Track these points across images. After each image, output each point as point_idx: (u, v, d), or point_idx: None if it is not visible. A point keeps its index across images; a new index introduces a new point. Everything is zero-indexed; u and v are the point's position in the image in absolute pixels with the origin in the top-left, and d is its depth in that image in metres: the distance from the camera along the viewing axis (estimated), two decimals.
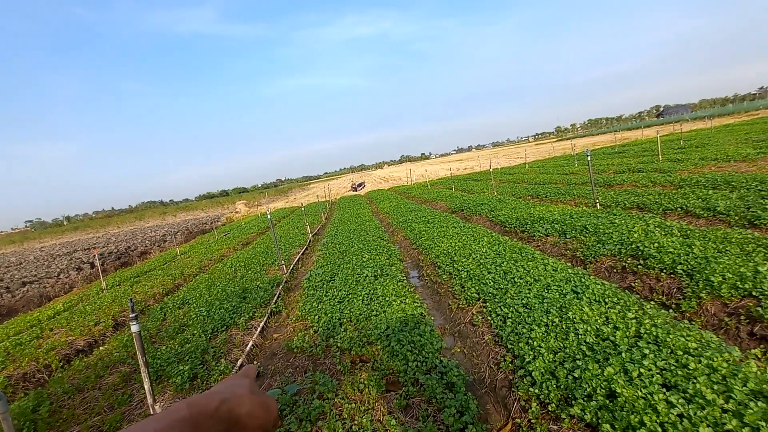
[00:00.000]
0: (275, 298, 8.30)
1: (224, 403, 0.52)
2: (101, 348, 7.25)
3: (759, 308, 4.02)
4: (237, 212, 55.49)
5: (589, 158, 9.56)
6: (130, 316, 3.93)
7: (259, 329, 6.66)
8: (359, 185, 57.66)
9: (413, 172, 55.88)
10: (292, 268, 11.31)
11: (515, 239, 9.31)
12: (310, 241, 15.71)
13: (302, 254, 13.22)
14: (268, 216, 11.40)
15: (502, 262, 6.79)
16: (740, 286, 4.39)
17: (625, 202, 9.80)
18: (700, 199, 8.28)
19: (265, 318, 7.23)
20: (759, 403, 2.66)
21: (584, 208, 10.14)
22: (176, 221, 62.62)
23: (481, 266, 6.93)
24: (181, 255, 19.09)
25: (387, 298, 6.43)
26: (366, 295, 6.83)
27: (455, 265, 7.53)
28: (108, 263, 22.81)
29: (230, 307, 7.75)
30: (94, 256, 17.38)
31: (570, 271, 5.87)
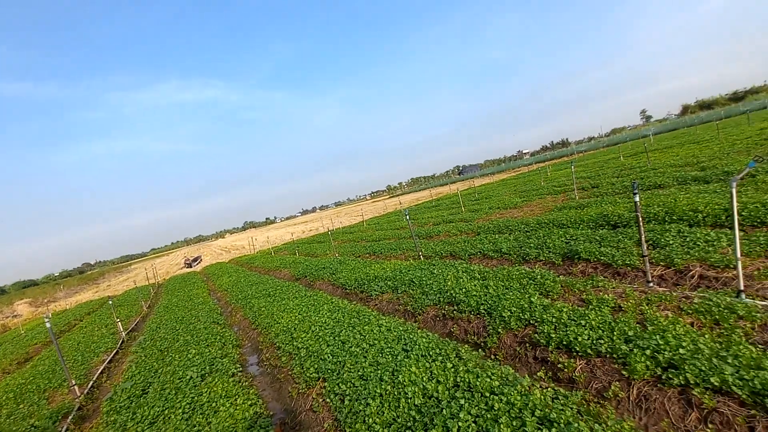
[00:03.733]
0: None
1: None
2: None
3: (536, 334, 4.95)
4: (17, 316, 40.93)
5: (407, 218, 10.81)
6: None
7: None
8: (194, 260, 51.02)
9: (256, 240, 53.07)
10: (92, 386, 8.69)
11: (355, 301, 9.48)
12: (123, 341, 12.59)
13: (109, 362, 10.37)
14: (47, 323, 8.58)
15: (341, 331, 6.69)
16: (522, 317, 5.37)
17: (442, 251, 11.33)
18: (491, 243, 10.22)
19: None
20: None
21: (411, 261, 11.25)
22: None
23: (321, 340, 6.66)
24: None
25: (214, 404, 5.42)
26: (188, 406, 5.62)
27: (295, 343, 7.05)
28: None
29: None
30: None
31: (401, 328, 6.17)
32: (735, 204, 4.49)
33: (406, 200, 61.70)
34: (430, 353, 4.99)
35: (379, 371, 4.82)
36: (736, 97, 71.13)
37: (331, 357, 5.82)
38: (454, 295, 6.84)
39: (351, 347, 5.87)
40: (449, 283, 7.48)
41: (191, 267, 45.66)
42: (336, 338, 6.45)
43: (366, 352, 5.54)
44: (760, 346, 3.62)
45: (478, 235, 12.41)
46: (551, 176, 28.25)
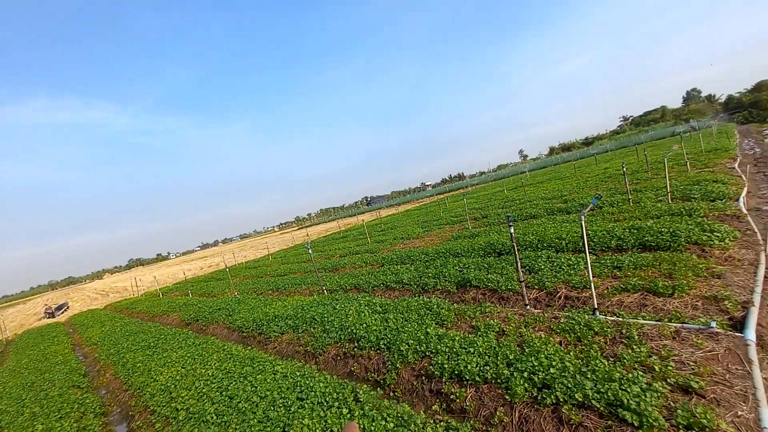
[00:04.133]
0: None
1: None
2: None
3: (431, 366, 5.01)
4: None
5: (310, 251, 10.46)
6: None
7: None
8: (59, 308, 42.11)
9: (140, 280, 46.33)
10: None
11: (252, 345, 8.67)
12: None
13: None
14: None
15: (230, 384, 5.96)
16: (419, 349, 5.42)
17: (346, 284, 11.16)
18: (393, 274, 10.40)
19: None
20: None
21: (315, 296, 10.82)
22: None
23: (205, 397, 5.83)
24: None
25: None
26: None
27: (174, 404, 6.04)
28: None
29: None
30: None
31: (299, 373, 5.74)
32: (585, 233, 5.26)
33: (315, 231, 60.67)
34: (327, 399, 4.68)
35: (269, 429, 4.33)
36: (587, 142, 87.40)
37: (215, 417, 5.09)
38: (355, 331, 6.67)
39: (240, 402, 5.23)
40: (351, 319, 7.30)
41: (54, 317, 37.59)
42: (223, 393, 5.71)
43: (256, 406, 4.97)
44: (611, 358, 4.16)
45: (382, 267, 12.57)
46: (449, 207, 30.58)
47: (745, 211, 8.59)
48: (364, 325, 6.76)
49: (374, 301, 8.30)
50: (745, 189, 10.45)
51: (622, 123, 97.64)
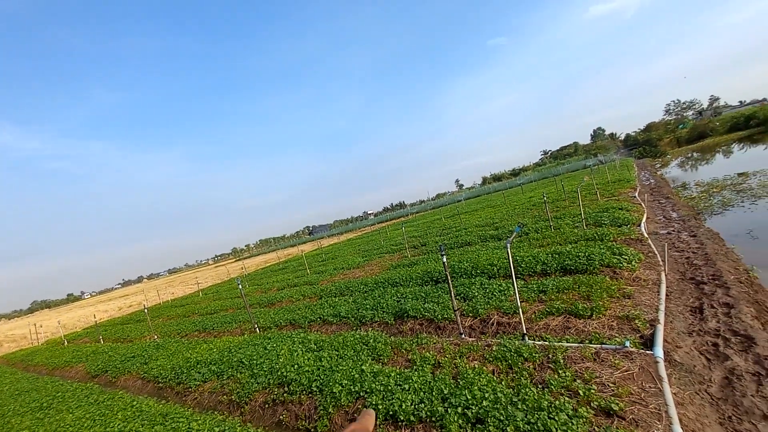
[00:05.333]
0: None
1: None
2: None
3: (364, 407, 4.71)
4: None
5: (240, 287, 9.74)
6: None
7: None
8: None
9: (41, 327, 39.99)
10: None
11: (169, 397, 7.66)
12: None
13: None
14: None
15: None
16: (353, 389, 5.09)
17: (281, 320, 10.48)
18: (331, 307, 9.99)
19: None
20: None
21: (246, 336, 9.98)
22: None
23: None
24: None
25: None
26: None
27: None
28: None
29: None
30: None
31: (217, 429, 5.09)
32: (511, 260, 5.45)
33: (254, 263, 57.61)
34: None
35: None
36: (515, 173, 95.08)
37: None
38: (285, 374, 6.14)
39: None
40: (282, 360, 6.75)
41: None
42: None
43: None
44: (539, 385, 4.21)
45: (320, 299, 12.07)
46: (390, 235, 30.86)
47: (646, 235, 9.63)
48: (296, 366, 6.27)
49: (309, 337, 7.81)
50: (645, 215, 11.82)
51: (542, 156, 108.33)
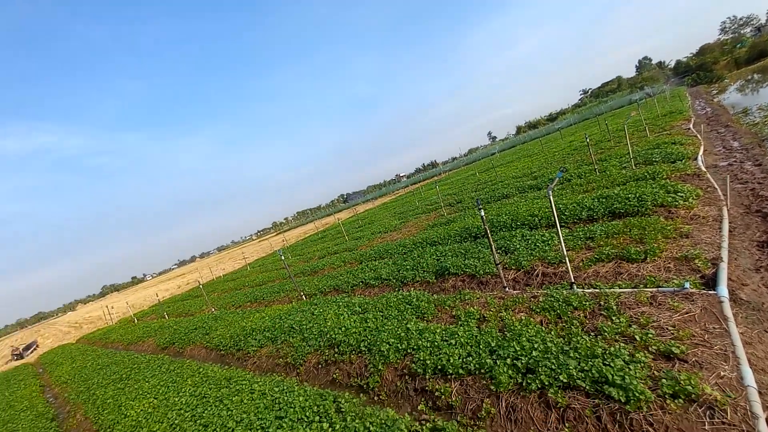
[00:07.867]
0: None
1: None
2: None
3: (413, 364, 4.80)
4: None
5: (282, 258, 10.07)
6: None
7: None
8: (27, 348, 39.71)
9: (113, 308, 44.38)
10: None
11: (231, 362, 8.28)
12: None
13: None
14: None
15: (205, 411, 5.58)
16: (400, 347, 5.20)
17: (325, 287, 10.84)
18: (372, 271, 10.15)
19: None
20: None
21: (294, 303, 10.46)
22: None
23: (178, 429, 5.44)
24: None
25: None
26: None
27: None
28: None
29: None
30: None
31: (278, 388, 5.43)
32: (554, 208, 5.15)
33: (293, 235, 59.62)
34: (307, 414, 4.41)
35: None
36: (551, 118, 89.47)
37: None
38: (334, 336, 6.39)
39: (214, 430, 4.87)
40: (329, 324, 7.01)
41: (22, 357, 35.44)
42: (197, 422, 5.33)
43: None
44: (592, 333, 4.06)
45: (360, 264, 12.30)
46: (425, 196, 30.54)
47: (704, 168, 8.80)
48: (343, 328, 6.49)
49: (353, 301, 8.03)
50: (702, 148, 10.76)
51: (582, 96, 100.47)
